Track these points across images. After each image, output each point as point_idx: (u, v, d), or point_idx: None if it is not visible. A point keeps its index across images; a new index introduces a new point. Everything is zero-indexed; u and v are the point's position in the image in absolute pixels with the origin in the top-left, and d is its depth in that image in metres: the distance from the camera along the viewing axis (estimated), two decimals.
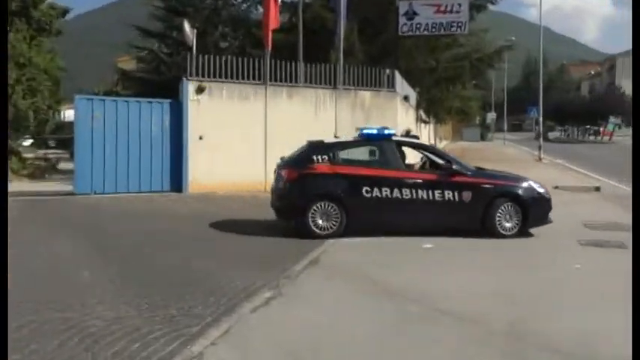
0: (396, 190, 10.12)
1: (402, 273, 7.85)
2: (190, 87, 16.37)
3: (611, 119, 73.82)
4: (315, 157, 10.21)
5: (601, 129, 79.04)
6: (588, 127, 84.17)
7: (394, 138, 10.83)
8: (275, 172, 10.83)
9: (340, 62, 18.42)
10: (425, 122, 30.77)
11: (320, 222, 9.99)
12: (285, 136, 16.98)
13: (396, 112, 18.66)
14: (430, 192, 10.21)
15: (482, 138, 75.13)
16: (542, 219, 10.67)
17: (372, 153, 10.80)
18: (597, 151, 46.39)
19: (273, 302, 6.40)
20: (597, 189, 18.09)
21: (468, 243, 9.91)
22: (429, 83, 28.83)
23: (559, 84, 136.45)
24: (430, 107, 31.79)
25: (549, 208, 10.79)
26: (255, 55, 18.58)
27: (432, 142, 38.67)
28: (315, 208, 9.98)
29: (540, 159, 31.78)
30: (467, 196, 10.25)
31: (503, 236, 10.25)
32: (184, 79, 16.46)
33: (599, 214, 13.18)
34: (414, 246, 9.52)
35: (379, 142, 10.63)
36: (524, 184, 10.76)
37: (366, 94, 18.15)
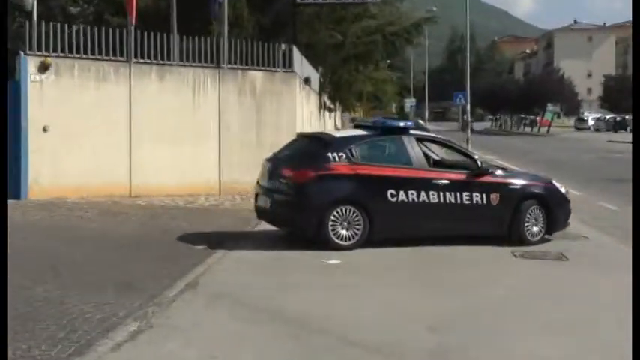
0: (422, 193, 10.74)
1: (303, 296, 7.90)
2: (30, 64, 15.82)
3: (549, 107, 77.12)
4: (331, 155, 10.59)
5: (538, 118, 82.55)
6: (523, 116, 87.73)
7: (412, 132, 11.46)
8: (268, 172, 11.13)
9: (224, 35, 18.33)
10: (330, 110, 31.10)
11: (342, 231, 10.40)
12: (155, 126, 16.75)
13: (295, 97, 18.77)
14: (458, 194, 10.95)
15: None
16: (564, 223, 11.80)
17: (390, 149, 11.29)
18: (534, 145, 48.44)
19: (141, 337, 6.27)
20: None
21: (385, 255, 10.14)
22: (335, 62, 29.16)
23: (489, 64, 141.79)
24: (336, 91, 32.17)
25: (570, 210, 11.91)
26: (116, 24, 18.18)
27: None
28: (335, 215, 10.37)
29: None
30: (495, 198, 11.14)
31: (532, 243, 11.18)
32: (22, 53, 15.89)
33: None
34: (317, 262, 9.60)
35: (398, 136, 11.21)
36: (549, 185, 11.90)
37: (257, 75, 18.16)
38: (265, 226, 12.56)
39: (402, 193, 10.61)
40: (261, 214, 11.32)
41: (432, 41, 78.15)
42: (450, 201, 10.86)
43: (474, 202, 11.00)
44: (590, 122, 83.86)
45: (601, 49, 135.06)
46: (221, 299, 7.67)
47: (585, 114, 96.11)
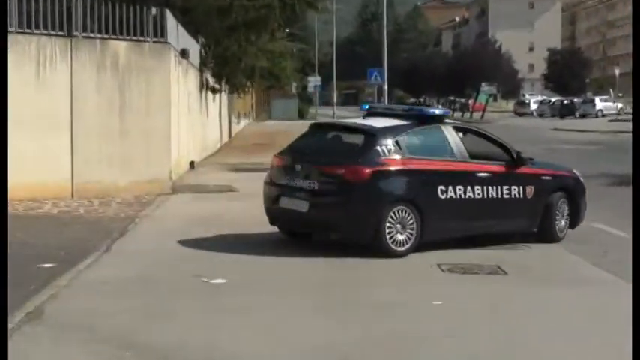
0: (469, 188, 11.90)
1: (176, 325, 7.82)
2: None
3: (484, 87, 79.02)
4: (379, 149, 11.40)
5: (470, 101, 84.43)
6: (453, 98, 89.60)
7: (447, 121, 12.71)
8: (295, 170, 11.70)
9: None
10: (214, 90, 30.94)
11: (397, 235, 11.20)
12: None
13: (169, 75, 18.59)
14: (499, 188, 12.28)
15: (301, 115, 77.24)
16: (583, 216, 13.44)
17: (432, 140, 12.27)
18: None
19: None
20: None
21: (283, 269, 10.23)
22: (220, 31, 29.00)
23: (411, 35, 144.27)
24: (222, 68, 31.97)
25: (586, 203, 13.52)
26: None
27: (226, 121, 38.99)
28: (391, 217, 11.16)
29: None
30: (530, 191, 12.56)
31: (559, 240, 12.81)
32: None
33: None
34: (196, 282, 9.53)
35: (436, 125, 12.33)
36: (573, 175, 13.63)
37: (120, 47, 17.89)
38: (128, 241, 12.40)
39: (450, 188, 11.65)
40: (284, 219, 11.98)
41: (341, 6, 78.88)
42: (492, 196, 12.13)
43: (512, 196, 12.36)
44: (533, 106, 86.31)
45: (544, 17, 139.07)
46: (72, 332, 7.53)
47: (527, 96, 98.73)
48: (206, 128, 29.31)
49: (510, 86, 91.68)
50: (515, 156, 12.61)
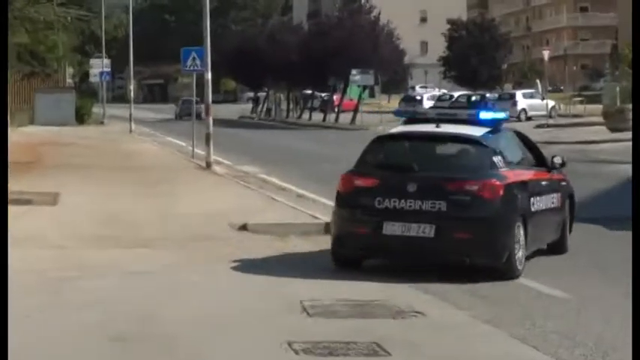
0: (540, 198, 15.31)
1: None
2: None
3: (356, 76, 79.39)
4: (495, 160, 14.50)
5: (335, 97, 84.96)
6: (310, 92, 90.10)
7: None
8: (404, 191, 14.01)
9: None
10: None
11: (519, 254, 14.27)
12: None
13: None
14: (550, 197, 15.79)
15: (81, 118, 76.27)
16: None
17: (512, 148, 15.59)
18: (328, 145, 49.54)
19: None
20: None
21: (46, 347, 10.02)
22: None
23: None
24: None
25: None
26: None
27: None
28: (515, 234, 14.17)
29: (209, 165, 32.98)
30: (559, 199, 16.23)
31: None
32: None
33: (333, 280, 14.17)
34: None
35: (504, 132, 15.80)
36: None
37: None
38: None
39: (535, 199, 15.00)
40: (392, 248, 14.36)
41: None
42: (547, 205, 15.60)
43: (554, 204, 15.96)
44: (427, 103, 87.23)
45: None
46: None
47: (417, 89, 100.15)
48: None
49: (394, 75, 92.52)
50: (549, 162, 16.28)
